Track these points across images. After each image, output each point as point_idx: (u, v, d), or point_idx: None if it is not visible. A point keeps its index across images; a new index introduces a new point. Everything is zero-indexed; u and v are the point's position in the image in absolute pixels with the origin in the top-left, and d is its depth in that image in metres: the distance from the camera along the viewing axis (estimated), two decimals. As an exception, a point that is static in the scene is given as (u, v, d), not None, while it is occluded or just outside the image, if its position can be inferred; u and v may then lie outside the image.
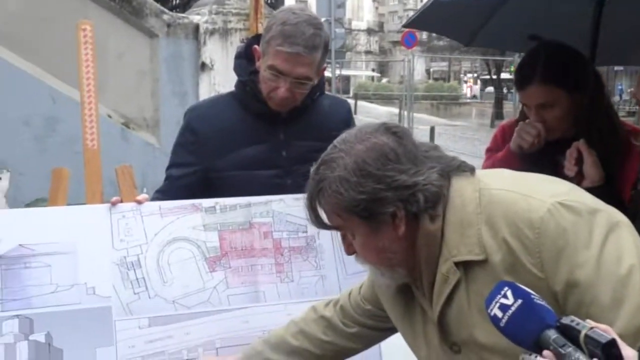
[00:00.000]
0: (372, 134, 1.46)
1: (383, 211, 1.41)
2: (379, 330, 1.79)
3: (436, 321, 1.49)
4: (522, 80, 2.20)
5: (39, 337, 1.83)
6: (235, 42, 5.40)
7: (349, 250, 1.54)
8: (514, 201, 1.40)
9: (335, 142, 1.50)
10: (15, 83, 4.50)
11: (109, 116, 4.85)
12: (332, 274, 2.09)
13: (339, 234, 2.07)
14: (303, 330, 1.83)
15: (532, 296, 1.19)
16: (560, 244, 1.34)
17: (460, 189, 1.45)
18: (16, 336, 1.81)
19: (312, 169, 1.50)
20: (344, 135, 1.49)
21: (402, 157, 1.43)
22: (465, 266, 1.43)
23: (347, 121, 2.37)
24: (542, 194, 1.40)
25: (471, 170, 1.49)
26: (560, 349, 1.12)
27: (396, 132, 1.47)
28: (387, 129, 1.47)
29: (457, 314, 1.45)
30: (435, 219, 1.44)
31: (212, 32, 5.34)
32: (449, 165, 1.47)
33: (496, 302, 1.21)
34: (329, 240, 2.10)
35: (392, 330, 1.75)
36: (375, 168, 1.42)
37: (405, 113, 19.78)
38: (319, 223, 1.53)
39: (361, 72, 45.94)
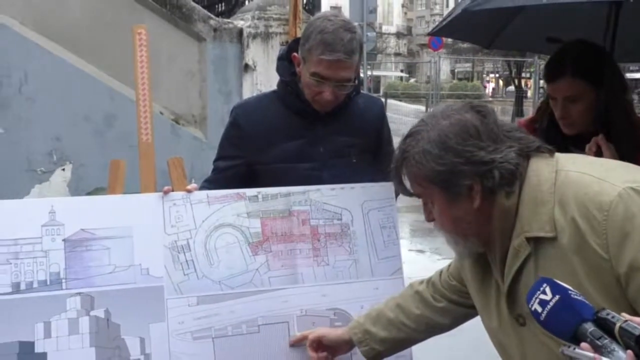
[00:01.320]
0: (458, 111, 1.46)
1: (460, 183, 1.41)
2: (463, 306, 1.78)
3: (506, 292, 1.48)
4: (553, 73, 2.16)
5: (99, 313, 1.85)
6: (276, 45, 5.40)
7: (429, 217, 1.53)
8: (587, 183, 1.38)
9: (423, 116, 1.51)
10: (77, 82, 4.56)
11: (161, 113, 4.89)
12: (364, 258, 2.08)
13: (370, 222, 2.10)
14: (399, 304, 1.85)
15: (570, 292, 1.17)
16: (628, 228, 1.31)
17: (538, 168, 1.43)
18: (79, 312, 1.84)
19: (400, 140, 1.51)
20: (432, 110, 1.51)
21: (483, 135, 1.42)
22: (535, 242, 1.41)
23: (381, 118, 2.36)
24: (616, 179, 1.37)
25: (550, 152, 1.47)
26: (597, 341, 1.10)
27: (480, 111, 1.46)
28: (472, 107, 1.47)
29: (524, 287, 1.43)
30: (510, 195, 1.42)
31: (254, 36, 5.34)
32: (528, 146, 1.45)
33: (536, 298, 1.20)
34: (362, 227, 2.09)
35: (475, 309, 1.73)
36: (456, 142, 1.41)
37: (432, 111, 19.57)
38: (402, 190, 1.55)
39: (391, 72, 45.64)
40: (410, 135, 1.49)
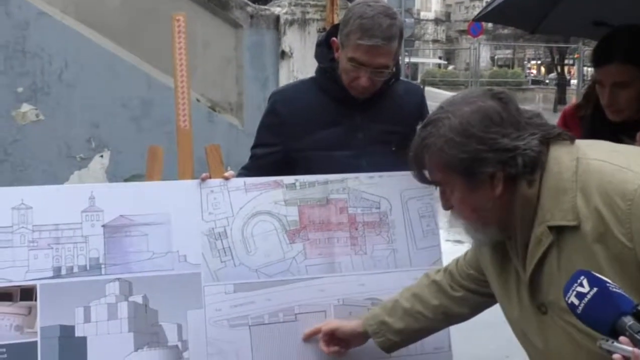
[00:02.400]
0: (479, 97, 1.45)
1: (482, 171, 1.40)
2: (481, 295, 1.77)
3: (528, 281, 1.46)
4: (602, 57, 2.12)
5: (137, 298, 1.88)
6: (313, 32, 5.39)
7: (447, 204, 1.52)
8: (609, 172, 1.36)
9: (442, 103, 1.49)
10: (116, 70, 4.62)
11: (198, 100, 4.92)
12: (402, 247, 2.07)
13: (409, 211, 2.08)
14: (416, 293, 1.84)
15: (608, 284, 1.15)
16: None
17: (559, 156, 1.42)
18: (117, 297, 1.87)
19: (419, 127, 1.50)
20: (451, 97, 1.49)
21: (506, 122, 1.41)
22: (558, 231, 1.40)
23: (420, 106, 2.34)
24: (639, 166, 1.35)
25: (571, 139, 1.45)
26: (636, 335, 1.08)
27: (501, 98, 1.44)
28: (493, 94, 1.45)
29: (547, 276, 1.42)
30: (532, 184, 1.41)
31: (291, 23, 5.34)
32: (549, 133, 1.43)
33: (573, 291, 1.18)
34: (401, 216, 2.08)
35: (494, 297, 1.71)
36: (479, 130, 1.40)
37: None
38: (420, 178, 1.54)
39: (429, 59, 45.24)
40: (431, 122, 1.47)
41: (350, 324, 1.91)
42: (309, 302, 1.98)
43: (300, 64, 5.25)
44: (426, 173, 1.52)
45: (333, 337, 1.92)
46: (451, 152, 1.42)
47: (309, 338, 1.95)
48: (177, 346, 1.88)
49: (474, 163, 1.40)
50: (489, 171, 1.40)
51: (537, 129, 1.43)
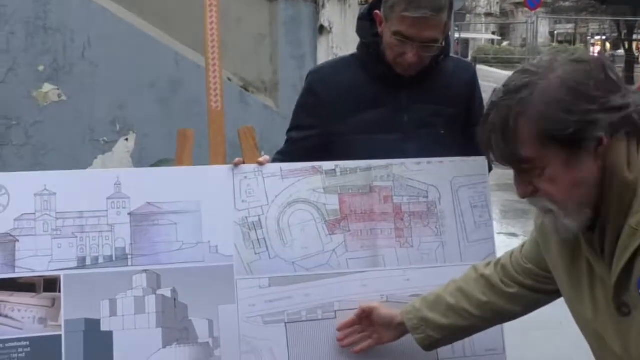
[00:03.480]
0: (568, 59, 1.39)
1: (591, 136, 1.33)
2: (538, 292, 1.74)
3: (616, 277, 1.41)
4: None
5: (166, 292, 1.91)
6: (354, 6, 5.36)
7: (527, 189, 1.44)
8: None
9: (525, 68, 1.42)
10: (142, 47, 4.65)
11: (229, 79, 4.94)
12: (453, 240, 2.06)
13: (460, 200, 2.06)
14: (461, 288, 1.82)
15: None
16: None
17: None
18: (145, 290, 1.90)
19: (495, 98, 1.41)
20: (534, 61, 1.42)
21: (609, 80, 1.36)
22: None
23: (472, 85, 2.32)
24: None
25: None
26: None
27: (592, 60, 1.39)
28: (581, 56, 1.41)
29: (637, 272, 1.37)
30: (632, 168, 1.35)
31: (330, -5, 5.32)
32: None
33: None
34: (451, 206, 2.07)
35: (551, 295, 1.69)
36: (585, 88, 1.33)
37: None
38: (507, 157, 1.42)
39: (481, 35, 44.66)
40: (520, 88, 1.38)
41: (390, 310, 1.91)
42: (350, 298, 1.98)
43: (340, 40, 5.23)
44: (517, 149, 1.41)
45: (367, 319, 1.92)
46: (556, 115, 1.33)
47: (344, 330, 1.95)
48: (208, 343, 1.91)
49: (584, 126, 1.33)
50: (598, 135, 1.33)
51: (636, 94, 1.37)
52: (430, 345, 1.85)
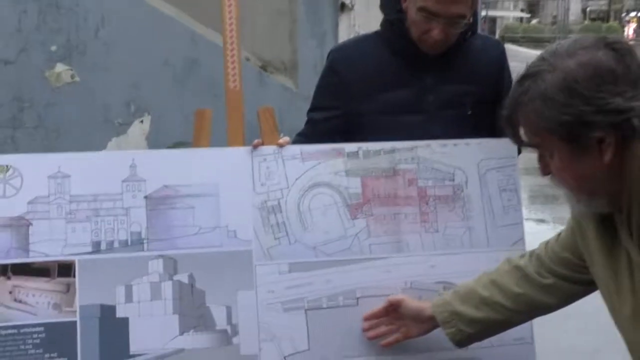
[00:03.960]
0: (588, 48, 1.38)
1: (588, 136, 1.35)
2: (575, 282, 1.72)
3: None
4: None
5: (183, 277, 1.92)
6: (377, -19, 5.33)
7: (545, 170, 1.48)
8: None
9: (543, 53, 1.44)
10: (157, 25, 4.67)
11: (247, 59, 4.94)
12: (480, 225, 2.05)
13: (487, 183, 2.06)
14: (495, 281, 1.81)
15: None
16: None
17: None
18: (161, 276, 1.91)
19: (516, 81, 1.45)
20: (554, 46, 1.43)
21: (620, 78, 1.34)
22: None
23: (501, 64, 2.30)
24: None
25: None
26: None
27: (617, 49, 1.37)
28: (607, 44, 1.39)
29: None
30: None
31: (352, -30, 5.29)
32: None
33: None
34: (478, 190, 2.06)
35: (588, 286, 1.68)
36: (586, 87, 1.34)
37: (558, 57, 18.90)
38: (516, 139, 1.49)
39: (509, 12, 44.24)
40: (529, 76, 1.41)
41: (419, 303, 1.91)
42: (373, 285, 1.99)
43: (363, 18, 5.21)
44: (522, 134, 1.47)
45: (394, 312, 1.92)
46: (550, 113, 1.36)
47: (370, 320, 1.95)
48: (226, 330, 1.92)
49: (577, 127, 1.34)
50: (596, 136, 1.34)
51: None
52: (461, 340, 1.84)
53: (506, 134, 1.51)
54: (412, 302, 1.91)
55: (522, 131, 1.46)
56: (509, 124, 1.47)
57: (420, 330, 1.91)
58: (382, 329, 1.95)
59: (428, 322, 1.88)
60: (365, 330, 1.96)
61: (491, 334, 1.88)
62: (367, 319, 1.96)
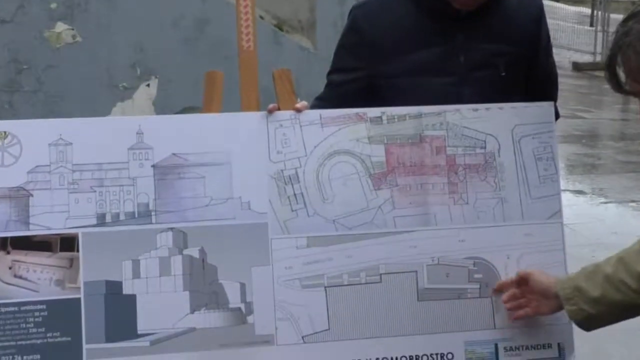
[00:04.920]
0: None
1: None
2: None
3: None
4: None
5: (193, 252, 1.93)
6: None
7: None
8: None
9: None
10: (163, -19, 4.64)
11: (261, 17, 4.91)
12: (513, 197, 2.04)
13: (522, 151, 2.04)
14: (622, 258, 1.79)
15: None
16: None
17: None
18: (170, 250, 1.92)
19: (620, 22, 1.42)
20: None
21: None
22: None
23: (538, 21, 2.28)
24: None
25: None
26: None
27: None
28: None
29: None
30: None
31: None
32: None
33: None
34: (512, 158, 2.05)
35: None
36: None
37: (600, 14, 18.70)
38: (614, 86, 1.47)
39: (546, -35, 43.71)
40: (634, 15, 1.37)
41: (548, 278, 1.92)
42: (397, 260, 1.99)
43: (386, -29, 5.15)
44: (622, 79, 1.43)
45: (524, 284, 1.94)
46: None
47: (499, 292, 1.98)
48: (239, 309, 1.94)
49: None
50: None
51: None
52: (583, 320, 1.84)
53: (607, 80, 1.47)
54: (542, 276, 1.93)
55: (622, 77, 1.42)
56: (608, 69, 1.44)
57: (549, 307, 1.93)
58: (514, 302, 1.97)
59: (555, 300, 1.89)
60: (505, 301, 1.98)
61: (615, 319, 1.85)
62: (497, 289, 1.99)
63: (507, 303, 1.98)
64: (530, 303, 1.95)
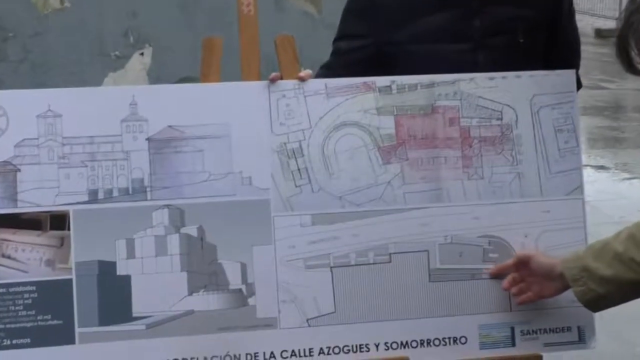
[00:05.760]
0: None
1: None
2: None
3: None
4: None
5: (191, 230, 1.94)
6: None
7: None
8: None
9: None
10: (157, -59, 4.62)
11: (262, -20, 4.89)
12: (531, 171, 2.05)
13: (541, 123, 2.04)
14: (633, 235, 1.79)
15: None
16: None
17: None
18: (167, 228, 1.93)
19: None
20: None
21: None
22: None
23: (559, -19, 2.26)
24: None
25: None
26: None
27: None
28: None
29: None
30: None
31: None
32: None
33: None
34: (530, 130, 2.05)
35: None
36: None
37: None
38: (627, 67, 1.48)
39: None
40: None
41: (549, 258, 1.93)
42: (408, 239, 1.99)
43: None
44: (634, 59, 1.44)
45: (525, 268, 1.95)
46: None
47: (497, 275, 1.99)
48: (240, 290, 1.95)
49: None
50: None
51: None
52: (591, 301, 1.85)
53: (618, 58, 1.48)
54: (543, 257, 1.94)
55: (634, 57, 1.43)
56: (618, 49, 1.46)
57: (552, 289, 1.93)
58: (516, 286, 1.98)
59: (559, 281, 1.89)
60: (505, 288, 1.99)
61: (625, 298, 1.86)
62: (494, 274, 2.00)
63: (511, 288, 1.98)
64: (531, 287, 1.96)
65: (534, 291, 1.96)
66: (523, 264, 1.96)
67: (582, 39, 2.51)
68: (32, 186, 1.90)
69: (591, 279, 1.82)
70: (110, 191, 1.92)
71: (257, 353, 1.94)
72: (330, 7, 4.59)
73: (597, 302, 1.85)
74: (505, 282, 1.99)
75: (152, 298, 1.91)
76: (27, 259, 1.88)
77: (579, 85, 2.18)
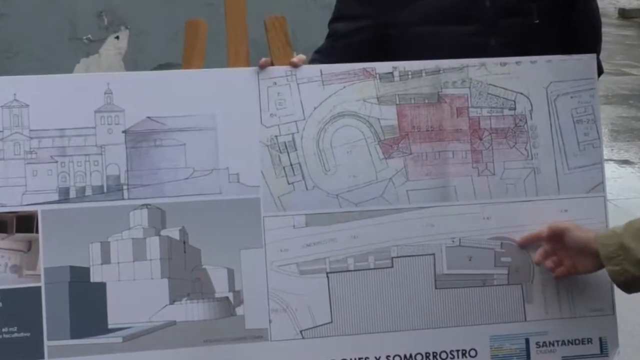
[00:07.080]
0: None
1: None
2: None
3: None
4: None
5: (173, 232, 1.94)
6: None
7: None
8: None
9: None
10: None
11: (250, -44, 4.89)
12: (548, 166, 2.05)
13: (558, 113, 2.05)
14: None
15: None
16: None
17: None
18: (146, 230, 1.93)
19: None
20: None
21: None
22: None
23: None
24: None
25: None
26: None
27: None
28: None
29: None
30: None
31: None
32: None
33: None
34: (546, 121, 2.06)
35: None
36: None
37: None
38: None
39: None
40: None
41: (587, 233, 1.94)
42: (413, 241, 2.00)
43: None
44: None
45: (559, 241, 1.96)
46: None
47: (525, 246, 2.01)
48: (227, 298, 1.95)
49: None
50: None
51: None
52: (626, 282, 1.86)
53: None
54: (579, 231, 1.95)
55: None
56: None
57: (587, 266, 1.95)
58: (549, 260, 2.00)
59: (594, 258, 1.90)
60: (537, 262, 2.01)
61: None
62: (522, 244, 2.02)
63: (544, 261, 1.99)
64: (563, 261, 1.98)
65: (566, 266, 1.98)
66: (557, 236, 1.97)
67: (604, 20, 2.52)
68: (-4, 184, 1.90)
69: (628, 259, 1.83)
70: (83, 189, 1.92)
71: (246, 367, 1.94)
72: (326, -15, 4.60)
73: (631, 284, 1.86)
74: (537, 256, 2.01)
75: (129, 307, 1.91)
76: (-9, 265, 1.88)
77: (600, 71, 2.18)
